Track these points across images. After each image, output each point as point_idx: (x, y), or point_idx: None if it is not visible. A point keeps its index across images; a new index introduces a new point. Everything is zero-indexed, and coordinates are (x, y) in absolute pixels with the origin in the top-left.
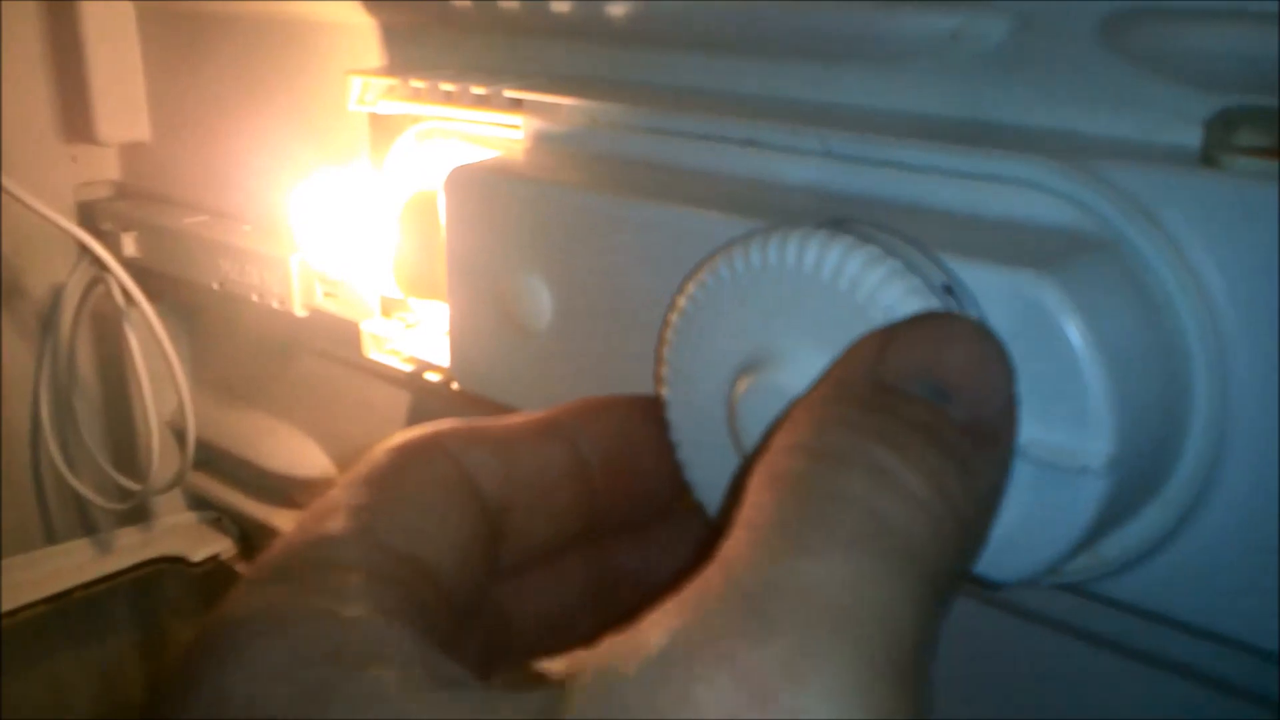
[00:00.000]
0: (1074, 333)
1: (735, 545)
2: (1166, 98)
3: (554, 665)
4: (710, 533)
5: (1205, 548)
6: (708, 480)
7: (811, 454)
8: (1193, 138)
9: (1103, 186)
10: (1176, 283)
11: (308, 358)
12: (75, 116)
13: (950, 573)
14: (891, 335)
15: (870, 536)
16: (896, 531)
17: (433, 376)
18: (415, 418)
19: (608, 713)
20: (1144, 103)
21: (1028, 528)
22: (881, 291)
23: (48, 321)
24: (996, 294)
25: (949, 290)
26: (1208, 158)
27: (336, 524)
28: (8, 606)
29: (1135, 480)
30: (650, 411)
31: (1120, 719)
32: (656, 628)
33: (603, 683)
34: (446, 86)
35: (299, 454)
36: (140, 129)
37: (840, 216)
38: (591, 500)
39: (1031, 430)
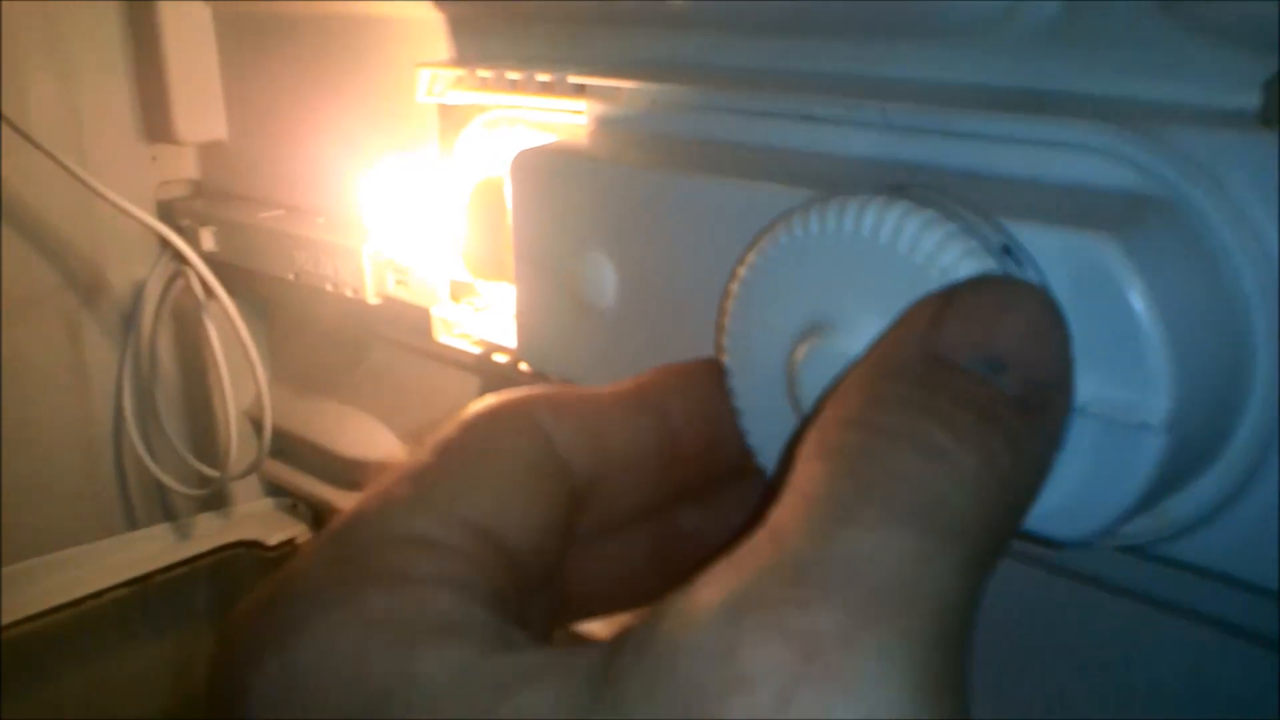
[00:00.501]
0: (1135, 292)
1: (788, 512)
2: (1223, 62)
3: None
4: (765, 495)
5: (1269, 507)
6: (769, 446)
7: (865, 428)
8: (1250, 100)
9: (1163, 149)
10: (1238, 243)
11: (381, 345)
12: (155, 117)
13: (997, 544)
14: (947, 302)
15: (921, 512)
16: (947, 508)
17: (500, 358)
18: None
19: (658, 671)
20: (1200, 68)
21: (1088, 486)
22: (940, 254)
23: (130, 316)
24: (1057, 255)
25: (1007, 251)
26: (1266, 119)
27: (407, 492)
28: (93, 589)
29: (1196, 439)
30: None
31: (1183, 682)
32: (708, 589)
33: (653, 642)
34: (512, 75)
35: (372, 440)
36: (217, 128)
37: (899, 182)
38: (677, 469)
39: (1092, 387)
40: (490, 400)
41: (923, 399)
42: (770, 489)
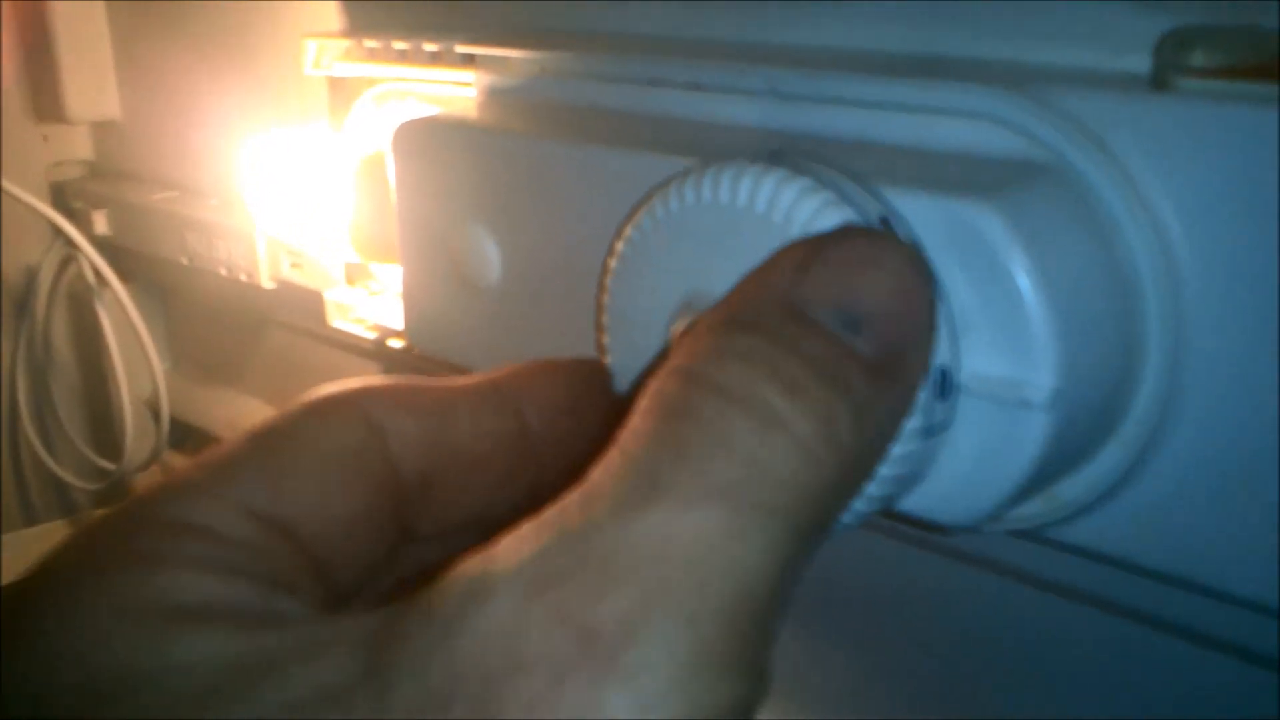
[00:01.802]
0: (1017, 264)
1: (604, 473)
2: (1116, 21)
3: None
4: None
5: (1164, 489)
6: None
7: (701, 384)
8: (1144, 63)
9: (1049, 113)
10: (1127, 211)
11: (279, 331)
12: (45, 96)
13: (823, 520)
14: (813, 251)
15: (743, 487)
16: (773, 483)
17: (396, 343)
18: None
19: (438, 642)
20: (1092, 28)
21: (972, 467)
22: (814, 222)
23: (22, 303)
24: (937, 224)
25: (885, 222)
26: (1159, 81)
27: (195, 478)
28: None
29: (1085, 417)
30: (597, 373)
31: (1081, 668)
32: (506, 556)
33: (439, 610)
34: (400, 45)
35: None
36: (110, 106)
37: (775, 149)
38: (534, 467)
39: (974, 363)
40: (324, 389)
41: (767, 354)
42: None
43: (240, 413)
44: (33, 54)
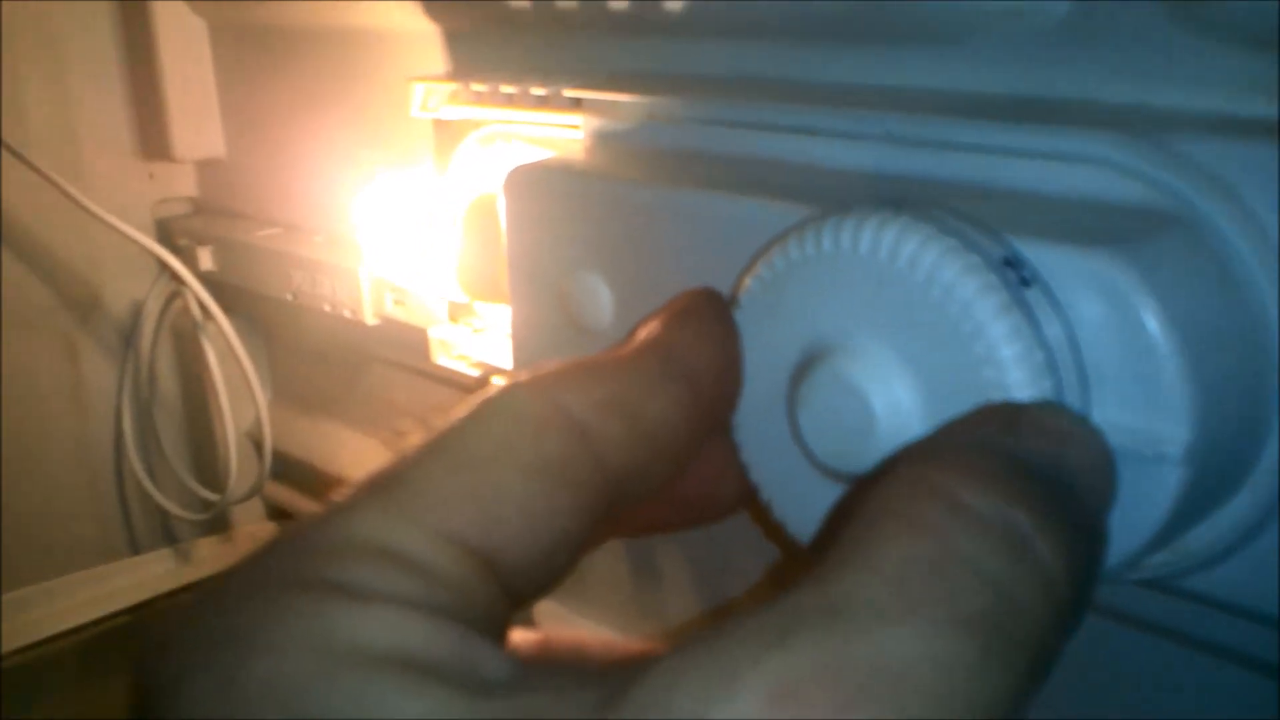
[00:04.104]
0: (1149, 314)
1: (841, 584)
2: (1240, 67)
3: (631, 649)
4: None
5: None
6: (772, 480)
7: (946, 500)
8: (1270, 108)
9: (1176, 161)
10: (1256, 259)
11: (380, 367)
12: (152, 134)
13: (1052, 661)
14: (1019, 413)
15: (993, 619)
16: (1017, 615)
17: (500, 381)
18: None
19: None
20: (1216, 73)
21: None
22: (938, 270)
23: (129, 337)
24: (1067, 275)
25: (1009, 264)
26: None
27: (388, 496)
28: (94, 615)
29: (1218, 468)
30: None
31: (1207, 718)
32: (744, 653)
33: (667, 703)
34: (507, 89)
35: (373, 463)
36: (214, 145)
37: (895, 198)
38: (702, 435)
39: (1108, 415)
40: (504, 384)
41: (1013, 491)
42: (781, 531)
43: (342, 446)
44: (140, 93)
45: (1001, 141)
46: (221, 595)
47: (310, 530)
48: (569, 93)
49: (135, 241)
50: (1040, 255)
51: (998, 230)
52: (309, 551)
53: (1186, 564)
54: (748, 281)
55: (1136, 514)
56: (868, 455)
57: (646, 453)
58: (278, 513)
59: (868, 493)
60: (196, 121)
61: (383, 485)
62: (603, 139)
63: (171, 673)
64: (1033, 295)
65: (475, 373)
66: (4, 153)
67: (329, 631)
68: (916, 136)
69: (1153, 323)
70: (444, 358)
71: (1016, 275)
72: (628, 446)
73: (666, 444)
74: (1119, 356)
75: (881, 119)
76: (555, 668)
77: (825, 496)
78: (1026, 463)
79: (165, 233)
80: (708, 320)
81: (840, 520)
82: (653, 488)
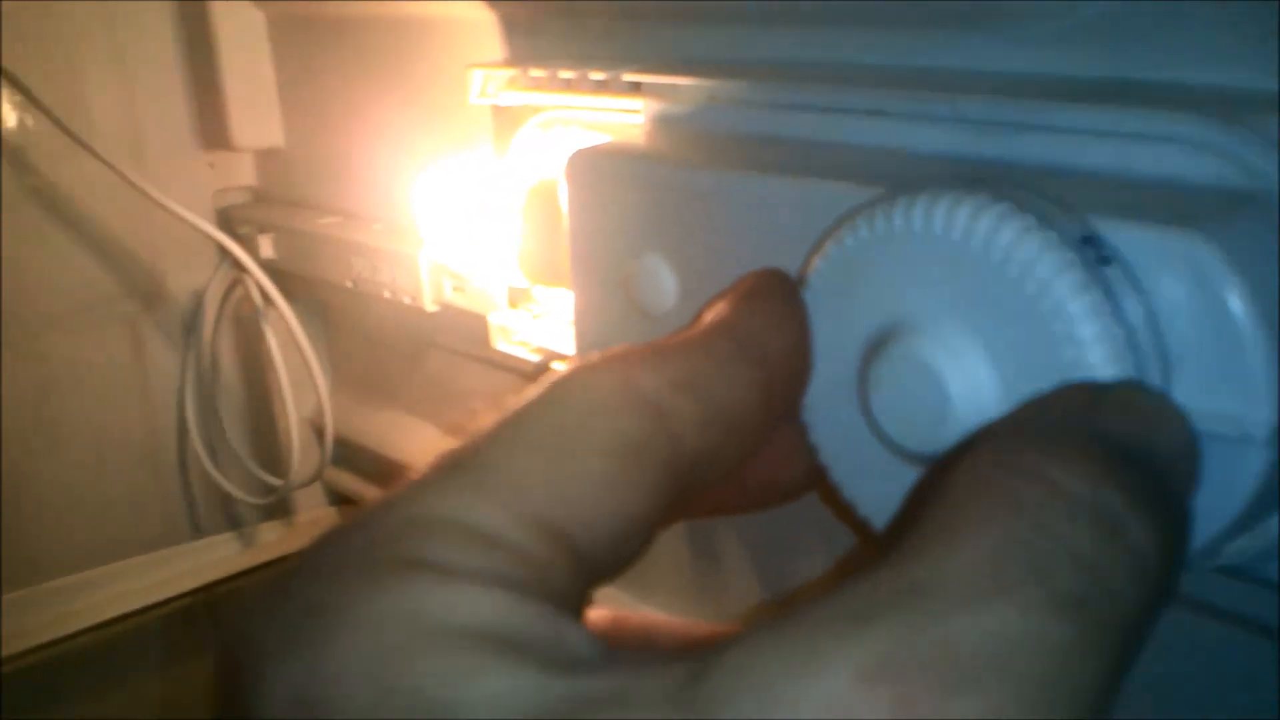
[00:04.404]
0: (1234, 294)
1: (929, 564)
2: None
3: (697, 629)
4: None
5: None
6: (844, 462)
7: (1044, 482)
8: None
9: (1257, 139)
10: None
11: (439, 353)
12: (211, 124)
13: (1140, 647)
14: (1102, 393)
15: (1089, 602)
16: (1112, 599)
17: (560, 366)
18: None
19: (751, 714)
20: None
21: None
22: (1017, 248)
23: (191, 324)
24: (1148, 254)
25: (1087, 242)
26: None
27: (461, 473)
28: (158, 598)
29: None
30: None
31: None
32: (833, 630)
33: (753, 684)
34: (566, 74)
35: (433, 449)
36: (274, 134)
37: (971, 176)
38: (771, 415)
39: (1189, 397)
40: (576, 364)
41: (1105, 471)
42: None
43: (401, 432)
44: (199, 83)
45: (1076, 122)
46: (307, 572)
47: (392, 508)
48: (628, 77)
49: (197, 229)
50: (1120, 235)
51: (1075, 209)
52: (393, 529)
53: (1267, 550)
54: (816, 261)
55: (1218, 498)
56: (942, 436)
57: (719, 434)
58: (338, 498)
59: (949, 474)
60: (255, 112)
61: (461, 464)
62: (663, 123)
63: (259, 651)
64: (1112, 274)
65: (535, 358)
66: (68, 142)
67: (417, 608)
68: (987, 117)
69: (1237, 303)
70: (503, 343)
71: (1095, 253)
72: (701, 427)
73: (739, 425)
74: (1201, 337)
75: (951, 101)
76: (635, 647)
77: (897, 478)
78: (1115, 442)
79: (226, 221)
80: (776, 301)
81: (919, 503)
82: (725, 469)
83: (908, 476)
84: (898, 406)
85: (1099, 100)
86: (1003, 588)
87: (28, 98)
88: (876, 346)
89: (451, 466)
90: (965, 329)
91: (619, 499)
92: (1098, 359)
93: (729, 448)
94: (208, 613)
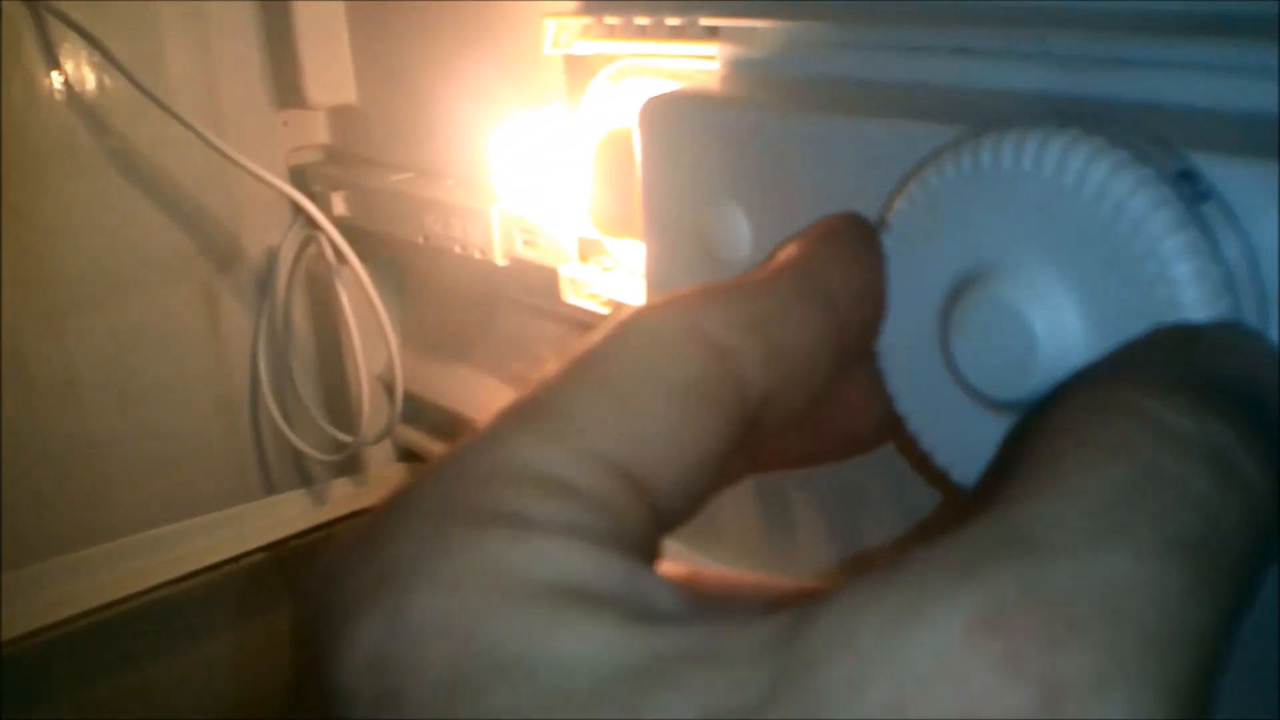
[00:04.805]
0: None
1: (1034, 511)
2: None
3: (784, 587)
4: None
5: None
6: (923, 410)
7: (1152, 423)
8: None
9: None
10: None
11: (511, 308)
12: (285, 83)
13: (1255, 592)
14: (1199, 334)
15: (1205, 545)
16: (1229, 542)
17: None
18: None
19: (852, 677)
20: None
21: None
22: (1110, 184)
23: (264, 281)
24: (1247, 191)
25: (1185, 176)
26: None
27: (532, 419)
28: (231, 554)
29: None
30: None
31: None
32: (932, 581)
33: (852, 637)
34: (640, 20)
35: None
36: (347, 92)
37: (1062, 113)
38: (841, 360)
39: None
40: (639, 307)
41: (1214, 408)
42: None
43: (471, 388)
44: (273, 41)
45: (1170, 56)
46: (383, 529)
47: (465, 459)
48: (705, 21)
49: (271, 187)
50: (1218, 170)
51: (1172, 144)
52: (467, 481)
53: None
54: (898, 203)
55: None
56: (1029, 383)
57: (785, 373)
58: (408, 455)
59: (1047, 419)
60: (328, 69)
61: (530, 411)
62: (740, 68)
63: (337, 610)
64: (1209, 211)
65: (606, 311)
66: (146, 101)
67: (497, 563)
68: (1078, 53)
69: None
70: (574, 297)
71: (1193, 189)
72: (766, 367)
73: (804, 365)
74: None
75: (1041, 36)
76: (716, 603)
77: (979, 427)
78: (1217, 380)
79: (299, 179)
80: (849, 243)
81: (1016, 450)
82: (792, 413)
83: (989, 426)
84: (982, 352)
85: (1194, 33)
86: (1113, 532)
87: (106, 57)
88: (960, 290)
89: (520, 414)
90: (1053, 271)
91: (687, 438)
92: (1192, 300)
93: (796, 389)
94: (279, 569)
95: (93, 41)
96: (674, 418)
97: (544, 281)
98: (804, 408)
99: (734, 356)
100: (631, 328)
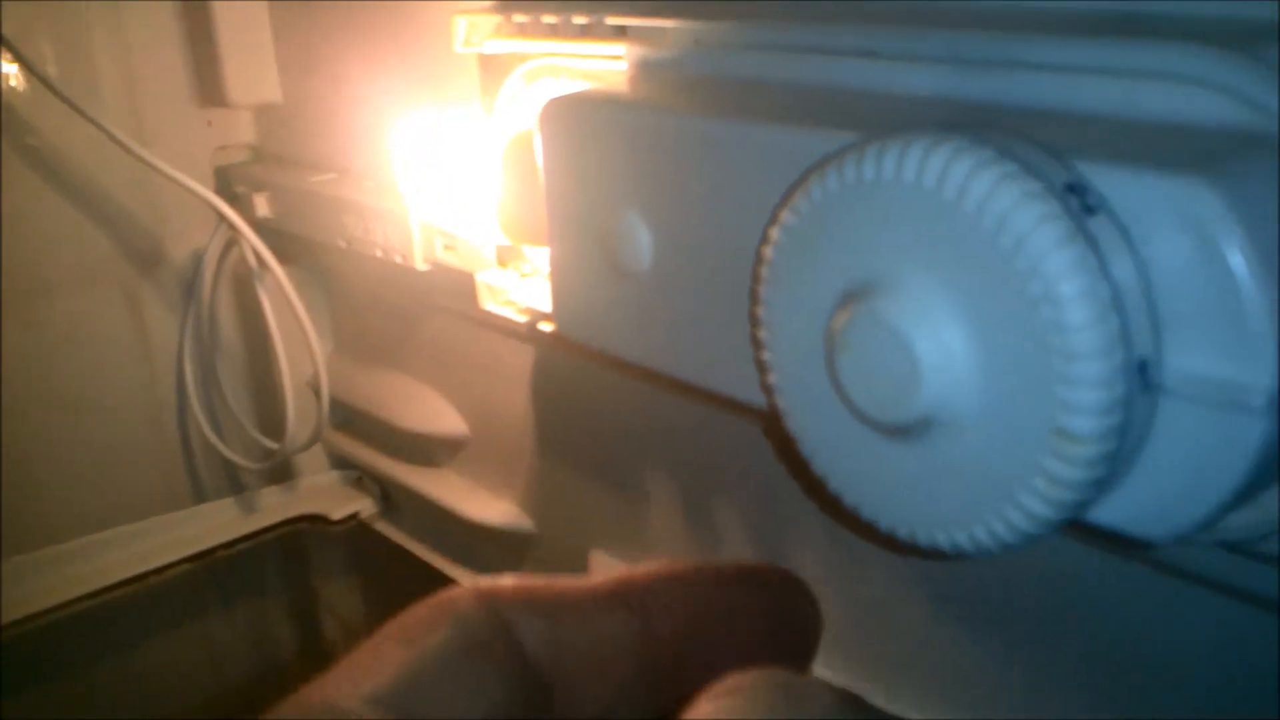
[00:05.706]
0: (1235, 248)
1: None
2: None
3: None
4: None
5: None
6: (813, 431)
7: None
8: None
9: (1271, 76)
10: None
11: (435, 314)
12: (208, 81)
13: None
14: None
15: None
16: None
17: (546, 327)
18: (539, 372)
19: None
20: None
21: (1182, 477)
22: (993, 197)
23: (190, 287)
24: (1141, 203)
25: (1071, 190)
26: None
27: (351, 686)
28: (159, 563)
29: None
30: (735, 581)
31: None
32: None
33: None
34: (549, 19)
35: (431, 412)
36: (270, 91)
37: (951, 120)
38: (658, 674)
39: (1181, 362)
40: (448, 593)
41: None
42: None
43: (398, 394)
44: (196, 40)
45: (1079, 59)
46: None
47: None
48: (612, 20)
49: (190, 190)
50: (1110, 181)
51: (1061, 153)
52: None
53: (1269, 526)
54: (784, 214)
55: (1217, 470)
56: (912, 405)
57: (572, 663)
58: (342, 463)
59: None
60: (251, 66)
61: (349, 673)
62: (647, 68)
63: None
64: (1098, 225)
65: (523, 319)
66: (68, 109)
67: None
68: (985, 56)
69: (1238, 258)
70: (491, 304)
71: (1080, 202)
72: (547, 650)
73: (600, 662)
74: (1198, 296)
75: (949, 38)
76: None
77: (868, 449)
78: None
79: (224, 180)
80: (678, 575)
81: None
82: (601, 701)
83: (880, 448)
84: (865, 373)
85: (1099, 35)
86: None
87: (24, 64)
88: (843, 307)
89: (345, 678)
90: (937, 289)
91: (477, 693)
92: (1077, 320)
93: (587, 681)
94: (209, 579)
95: (10, 48)
96: (460, 676)
97: (465, 286)
98: (618, 698)
99: (514, 626)
100: (433, 604)
